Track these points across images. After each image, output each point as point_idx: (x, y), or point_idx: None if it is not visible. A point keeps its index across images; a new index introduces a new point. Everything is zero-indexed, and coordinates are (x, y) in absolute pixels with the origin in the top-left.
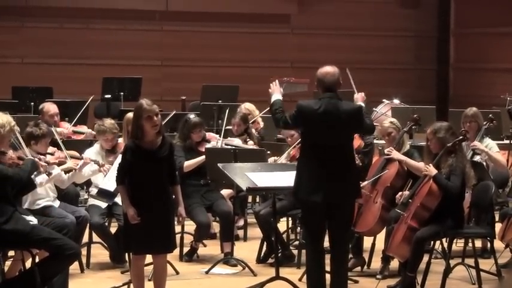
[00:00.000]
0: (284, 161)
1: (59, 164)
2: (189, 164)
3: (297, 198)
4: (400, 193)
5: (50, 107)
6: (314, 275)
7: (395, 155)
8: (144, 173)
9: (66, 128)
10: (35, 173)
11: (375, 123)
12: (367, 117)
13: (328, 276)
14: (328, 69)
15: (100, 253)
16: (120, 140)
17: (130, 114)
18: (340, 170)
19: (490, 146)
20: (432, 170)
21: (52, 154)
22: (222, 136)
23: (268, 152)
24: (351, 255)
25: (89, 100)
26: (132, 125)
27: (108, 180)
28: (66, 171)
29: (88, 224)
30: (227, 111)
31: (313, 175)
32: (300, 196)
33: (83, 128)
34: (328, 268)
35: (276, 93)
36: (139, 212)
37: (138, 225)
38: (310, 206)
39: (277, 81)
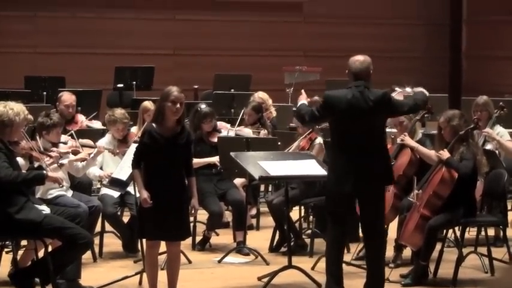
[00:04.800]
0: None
1: (73, 153)
2: (195, 162)
3: (327, 190)
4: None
5: (67, 97)
6: (334, 265)
7: (408, 141)
8: (160, 158)
9: (80, 121)
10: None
11: None
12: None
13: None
14: (358, 57)
15: (113, 242)
16: (133, 129)
17: (146, 103)
18: (370, 156)
19: (501, 134)
20: (445, 154)
21: (65, 143)
22: (236, 126)
23: (279, 143)
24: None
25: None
26: (155, 108)
27: (120, 170)
28: (81, 160)
29: (101, 214)
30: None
31: (344, 165)
32: (331, 188)
33: (97, 124)
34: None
35: (303, 100)
36: (154, 197)
37: (152, 211)
38: (340, 197)
39: (303, 91)
